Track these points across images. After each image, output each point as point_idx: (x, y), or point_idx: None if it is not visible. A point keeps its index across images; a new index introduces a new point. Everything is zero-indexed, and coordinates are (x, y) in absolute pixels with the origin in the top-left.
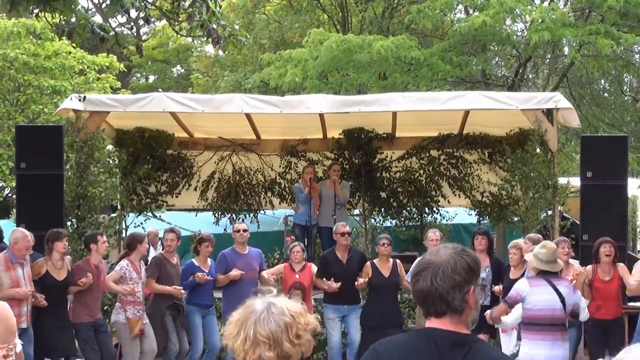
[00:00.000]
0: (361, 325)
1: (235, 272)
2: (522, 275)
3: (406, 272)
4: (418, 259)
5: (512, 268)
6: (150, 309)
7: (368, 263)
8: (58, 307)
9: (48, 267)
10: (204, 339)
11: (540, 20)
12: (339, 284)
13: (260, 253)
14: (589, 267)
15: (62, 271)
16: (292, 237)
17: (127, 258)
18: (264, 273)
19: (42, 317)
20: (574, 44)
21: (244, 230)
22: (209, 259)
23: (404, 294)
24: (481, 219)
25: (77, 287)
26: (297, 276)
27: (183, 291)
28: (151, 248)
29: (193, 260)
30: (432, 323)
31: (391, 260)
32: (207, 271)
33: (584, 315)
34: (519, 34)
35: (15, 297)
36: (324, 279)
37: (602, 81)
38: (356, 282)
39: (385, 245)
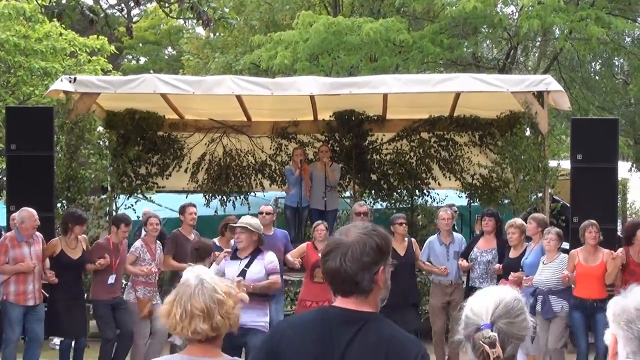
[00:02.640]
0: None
1: None
2: (523, 254)
3: None
4: (329, 237)
5: (511, 248)
6: (167, 286)
7: None
8: (72, 285)
9: (62, 246)
10: None
11: (530, 5)
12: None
13: (286, 234)
14: (620, 250)
15: (77, 250)
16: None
17: (142, 239)
18: (288, 255)
19: (55, 295)
20: (565, 31)
21: (267, 213)
22: (232, 240)
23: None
24: (471, 201)
25: (95, 266)
26: (319, 255)
27: None
28: (142, 231)
29: (215, 240)
30: (337, 301)
31: (406, 239)
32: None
33: None
34: (510, 16)
35: (19, 271)
36: None
37: (593, 64)
38: None
39: (404, 225)
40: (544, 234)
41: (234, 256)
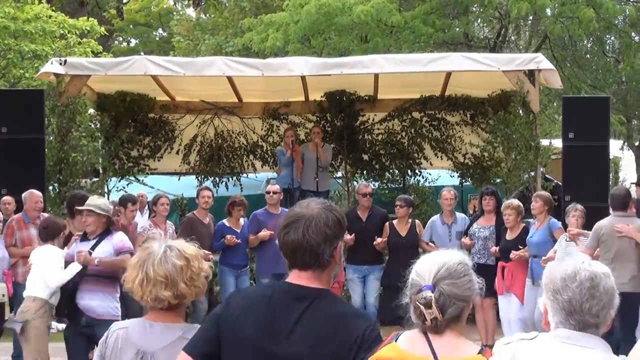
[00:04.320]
0: (381, 285)
1: (263, 233)
2: (520, 236)
3: None
4: (287, 212)
5: (508, 229)
6: None
7: (387, 223)
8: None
9: (70, 228)
10: None
11: None
12: (352, 236)
13: None
14: None
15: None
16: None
17: (151, 219)
18: None
19: None
20: (555, 12)
21: (274, 192)
22: (242, 219)
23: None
24: (463, 180)
25: None
26: None
27: (212, 256)
28: (138, 213)
29: (224, 221)
30: (292, 276)
31: (410, 220)
32: (239, 231)
33: None
34: None
35: (26, 255)
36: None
37: (585, 42)
38: (374, 242)
39: (399, 206)
40: (568, 210)
41: (84, 237)
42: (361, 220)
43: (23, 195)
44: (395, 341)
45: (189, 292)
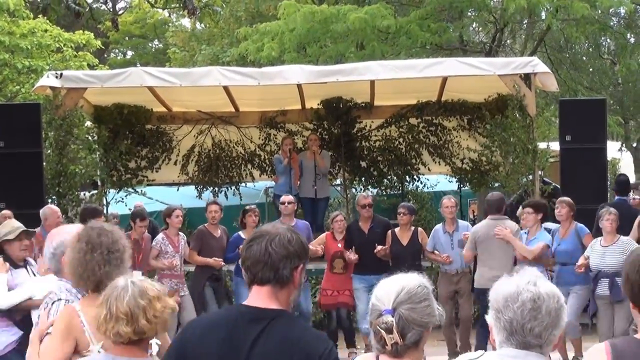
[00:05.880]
0: None
1: None
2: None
3: None
4: (255, 230)
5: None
6: (191, 281)
7: (389, 232)
8: None
9: None
10: None
11: None
12: (356, 257)
13: (308, 225)
14: None
15: None
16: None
17: (163, 232)
18: (310, 245)
19: None
20: (551, 9)
21: (289, 203)
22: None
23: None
24: (462, 185)
25: None
26: (339, 245)
27: (222, 263)
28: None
29: (240, 233)
30: (251, 297)
31: (412, 228)
32: None
33: None
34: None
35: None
36: (348, 250)
37: (581, 44)
38: (375, 250)
39: (401, 214)
40: (601, 214)
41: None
42: (363, 232)
43: (42, 211)
44: None
45: (149, 328)
